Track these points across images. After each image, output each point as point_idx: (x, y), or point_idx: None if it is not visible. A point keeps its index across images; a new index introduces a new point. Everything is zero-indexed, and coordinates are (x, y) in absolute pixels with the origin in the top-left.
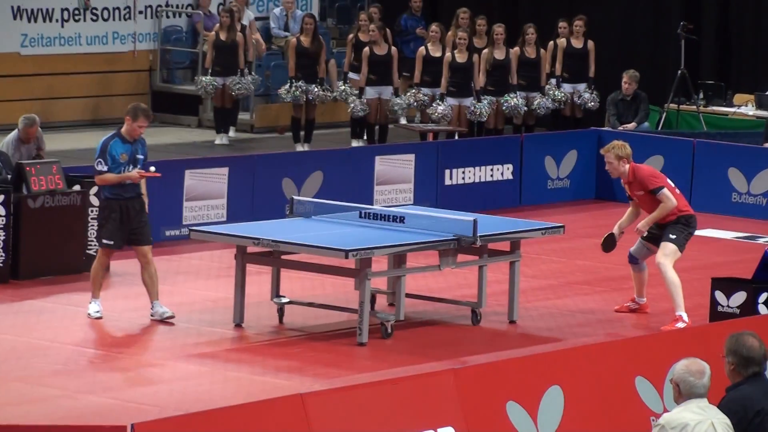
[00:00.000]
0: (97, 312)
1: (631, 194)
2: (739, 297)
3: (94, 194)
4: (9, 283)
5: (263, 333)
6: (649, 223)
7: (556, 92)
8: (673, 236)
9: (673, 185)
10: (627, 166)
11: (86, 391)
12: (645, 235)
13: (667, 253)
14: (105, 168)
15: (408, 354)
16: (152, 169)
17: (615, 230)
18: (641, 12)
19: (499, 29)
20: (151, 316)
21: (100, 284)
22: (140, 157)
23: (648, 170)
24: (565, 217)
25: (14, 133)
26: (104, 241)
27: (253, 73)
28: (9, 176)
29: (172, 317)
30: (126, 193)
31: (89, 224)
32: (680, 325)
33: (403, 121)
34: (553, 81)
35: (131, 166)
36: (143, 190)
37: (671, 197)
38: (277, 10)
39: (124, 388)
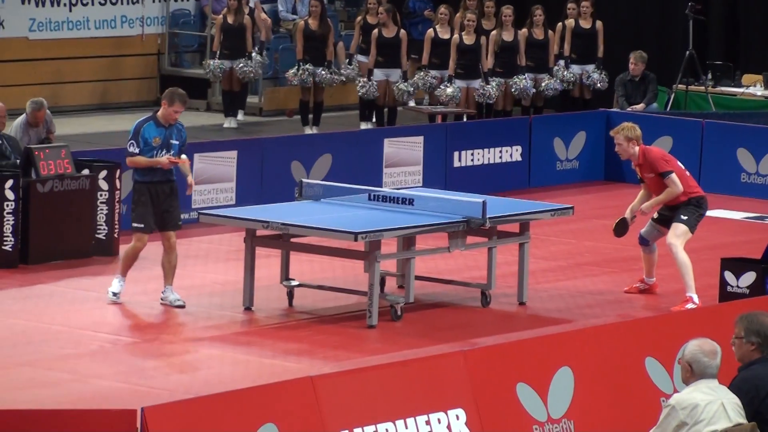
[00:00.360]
0: (115, 295)
1: (642, 176)
2: (749, 277)
3: (103, 178)
4: (18, 268)
5: (273, 316)
6: (653, 206)
7: (565, 73)
8: (685, 217)
9: (683, 167)
10: (637, 148)
11: (96, 375)
12: (655, 216)
13: (678, 234)
14: (136, 150)
15: (418, 336)
16: (183, 156)
17: (627, 214)
18: None
19: (507, 11)
20: (161, 300)
21: (129, 265)
22: (175, 142)
23: (658, 152)
24: (574, 199)
25: (22, 117)
26: (134, 224)
27: (264, 54)
28: (17, 161)
29: (182, 306)
30: (155, 177)
31: (98, 208)
32: (690, 306)
33: (411, 103)
34: (561, 62)
35: (164, 151)
36: (188, 170)
37: (678, 183)
38: None
39: (134, 371)
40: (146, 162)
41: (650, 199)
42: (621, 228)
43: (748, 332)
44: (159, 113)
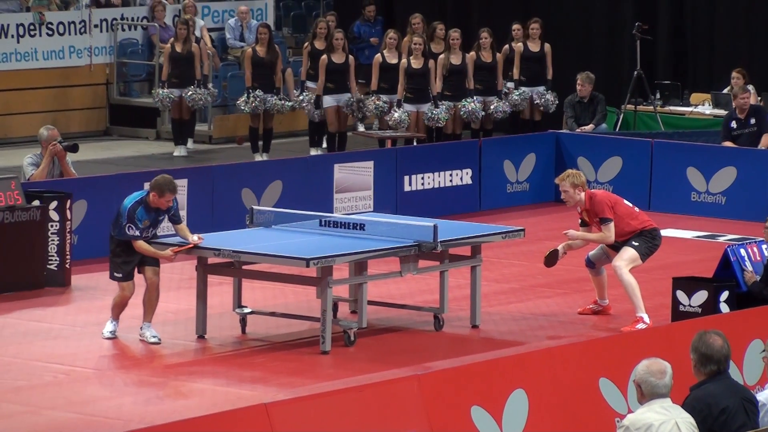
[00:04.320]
0: (110, 332)
1: (590, 221)
2: (701, 296)
3: (54, 209)
4: None
5: (226, 344)
6: (580, 237)
7: (515, 96)
8: (636, 243)
9: (631, 205)
10: (582, 194)
11: (50, 407)
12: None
13: (624, 258)
14: (137, 233)
15: (371, 361)
16: (196, 237)
17: (560, 248)
18: (596, 13)
19: (455, 34)
20: (139, 336)
21: (119, 311)
22: (161, 218)
23: (604, 197)
24: (525, 221)
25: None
26: (114, 274)
27: (210, 85)
28: None
29: (157, 343)
30: None
31: (49, 239)
32: (641, 326)
33: (361, 128)
34: (511, 84)
35: (152, 229)
36: (189, 235)
37: (612, 234)
38: (232, 21)
39: (88, 402)
40: (152, 252)
41: (588, 242)
42: (551, 259)
43: (691, 349)
44: (149, 200)
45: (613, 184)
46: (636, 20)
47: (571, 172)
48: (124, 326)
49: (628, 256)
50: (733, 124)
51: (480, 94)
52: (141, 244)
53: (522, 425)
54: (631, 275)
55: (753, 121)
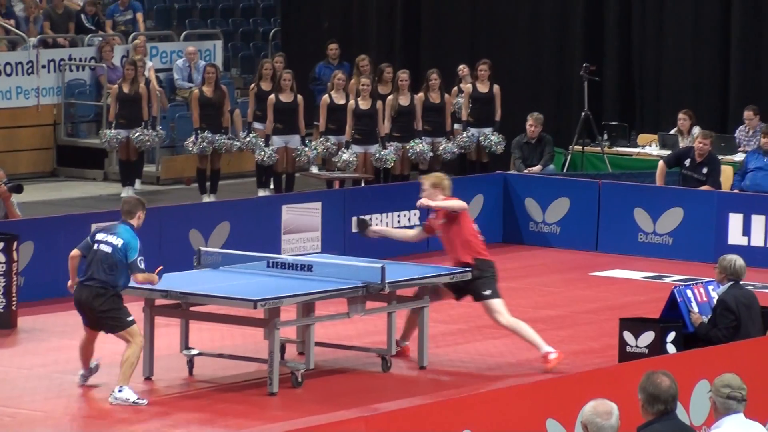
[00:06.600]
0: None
1: (434, 223)
2: (648, 337)
3: (1, 250)
4: None
5: (173, 386)
6: (437, 206)
7: (463, 136)
8: (488, 291)
9: (477, 228)
10: (441, 198)
11: None
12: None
13: (498, 310)
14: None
15: (319, 402)
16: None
17: (376, 226)
18: (544, 54)
19: (403, 75)
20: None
21: (85, 358)
22: None
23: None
24: None
25: None
26: (127, 320)
27: (158, 127)
28: None
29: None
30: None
31: (13, 280)
32: (553, 357)
33: (313, 169)
34: (458, 126)
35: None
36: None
37: (459, 204)
38: (180, 62)
39: None
40: (149, 278)
41: (415, 238)
42: (361, 226)
43: (638, 389)
44: (135, 227)
45: (561, 225)
46: (584, 61)
47: (439, 174)
48: (68, 368)
49: (498, 307)
50: (687, 162)
51: (428, 135)
52: (150, 276)
53: None
54: (514, 319)
55: (705, 170)
